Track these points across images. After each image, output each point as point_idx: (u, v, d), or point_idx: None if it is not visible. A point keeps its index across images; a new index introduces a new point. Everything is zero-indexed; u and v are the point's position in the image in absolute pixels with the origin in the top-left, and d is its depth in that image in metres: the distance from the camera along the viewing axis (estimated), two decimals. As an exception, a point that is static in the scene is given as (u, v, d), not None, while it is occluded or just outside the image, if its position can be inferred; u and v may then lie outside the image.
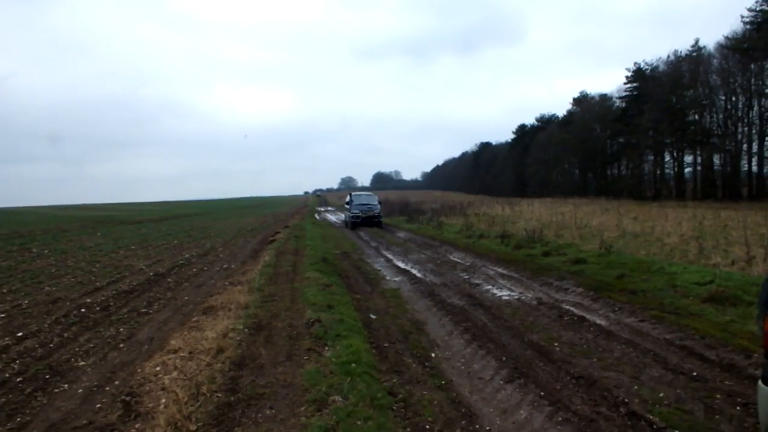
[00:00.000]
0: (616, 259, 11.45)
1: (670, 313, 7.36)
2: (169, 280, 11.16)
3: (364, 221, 25.80)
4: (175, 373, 5.25)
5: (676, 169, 52.85)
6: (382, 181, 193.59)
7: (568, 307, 8.14)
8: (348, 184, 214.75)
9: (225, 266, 12.94)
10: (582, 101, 71.29)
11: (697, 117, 48.63)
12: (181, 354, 5.78)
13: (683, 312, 7.37)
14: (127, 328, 7.45)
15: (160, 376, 5.26)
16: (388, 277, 11.58)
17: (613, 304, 8.08)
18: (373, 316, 7.88)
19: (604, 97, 65.46)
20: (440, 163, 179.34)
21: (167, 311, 8.35)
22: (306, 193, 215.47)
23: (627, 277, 9.56)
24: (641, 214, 25.35)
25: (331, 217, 40.09)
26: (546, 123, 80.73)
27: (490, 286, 9.98)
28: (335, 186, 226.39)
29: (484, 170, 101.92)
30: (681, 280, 8.94)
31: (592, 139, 64.42)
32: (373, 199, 27.66)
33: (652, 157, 55.44)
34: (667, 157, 54.16)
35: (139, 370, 5.61)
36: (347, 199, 28.84)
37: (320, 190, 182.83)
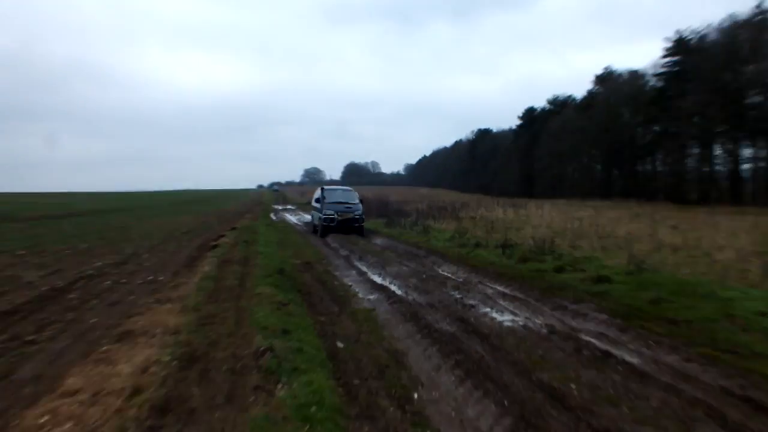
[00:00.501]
0: (650, 278, 11.48)
1: (726, 351, 7.32)
2: (72, 296, 10.73)
3: (340, 226, 24.40)
4: (68, 425, 4.98)
5: (730, 165, 52.21)
6: (355, 174, 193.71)
7: (588, 338, 8.10)
8: (313, 177, 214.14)
9: (150, 278, 12.64)
10: (607, 79, 72.48)
11: (759, 99, 46.74)
12: (81, 397, 5.50)
13: (744, 351, 7.30)
14: (1, 363, 6.88)
15: (46, 430, 4.98)
16: (360, 295, 11.51)
17: (647, 336, 8.04)
18: (340, 345, 7.75)
19: (635, 75, 66.31)
20: (428, 153, 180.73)
21: (65, 338, 7.94)
22: (260, 186, 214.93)
23: (665, 303, 9.55)
24: (683, 222, 25.71)
25: (291, 218, 39.80)
26: (560, 106, 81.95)
27: (488, 309, 9.95)
28: (297, 179, 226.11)
29: (482, 164, 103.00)
30: (740, 308, 8.93)
31: (619, 127, 65.35)
32: (353, 197, 26.39)
33: (697, 150, 55.68)
34: (718, 150, 53.83)
35: (14, 424, 5.25)
36: (316, 195, 27.28)
37: (278, 184, 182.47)
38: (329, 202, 25.25)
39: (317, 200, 26.51)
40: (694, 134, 53.66)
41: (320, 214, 25.06)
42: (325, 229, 24.33)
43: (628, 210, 35.14)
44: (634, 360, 7.18)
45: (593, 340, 7.99)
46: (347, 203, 25.50)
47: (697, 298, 9.83)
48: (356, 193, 26.95)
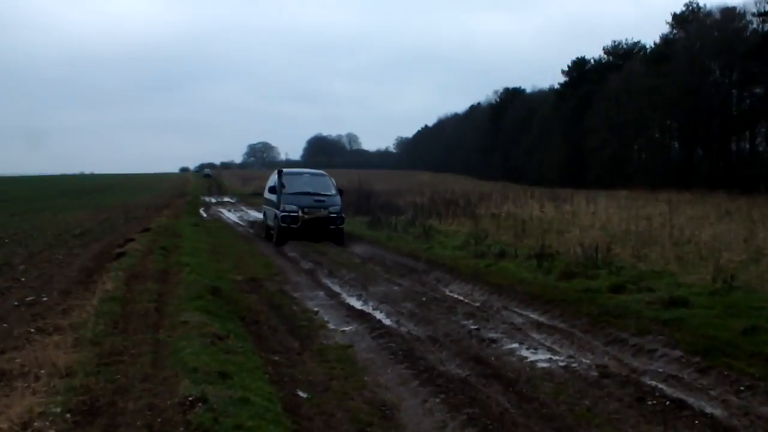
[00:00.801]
0: (743, 300, 11.67)
1: None
2: None
3: (306, 229, 24.08)
4: None
5: None
6: (324, 152, 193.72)
7: (654, 382, 8.27)
8: (262, 157, 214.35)
9: (30, 299, 12.70)
10: (689, 20, 73.10)
11: None
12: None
13: None
14: None
15: None
16: (331, 325, 11.60)
17: (736, 379, 8.24)
18: (303, 395, 7.86)
19: (730, 14, 67.02)
20: (430, 123, 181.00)
21: None
22: (185, 170, 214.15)
23: (762, 334, 9.77)
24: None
25: (230, 216, 39.91)
26: (623, 58, 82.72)
27: (515, 345, 10.11)
28: (237, 159, 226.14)
29: (510, 139, 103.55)
30: None
31: (705, 89, 66.11)
32: (326, 185, 26.12)
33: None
34: None
35: None
36: (270, 182, 26.97)
37: (211, 167, 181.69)
38: (290, 193, 24.69)
39: (272, 190, 26.03)
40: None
41: (276, 211, 24.61)
42: (283, 233, 24.00)
43: (716, 205, 35.35)
44: (717, 412, 7.32)
45: (662, 386, 8.13)
46: (318, 195, 24.98)
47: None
48: (331, 180, 26.60)
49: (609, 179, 73.81)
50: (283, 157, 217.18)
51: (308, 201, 24.57)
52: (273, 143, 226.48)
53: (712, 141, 68.20)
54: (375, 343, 10.29)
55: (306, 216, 24.15)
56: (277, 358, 9.32)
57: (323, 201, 24.80)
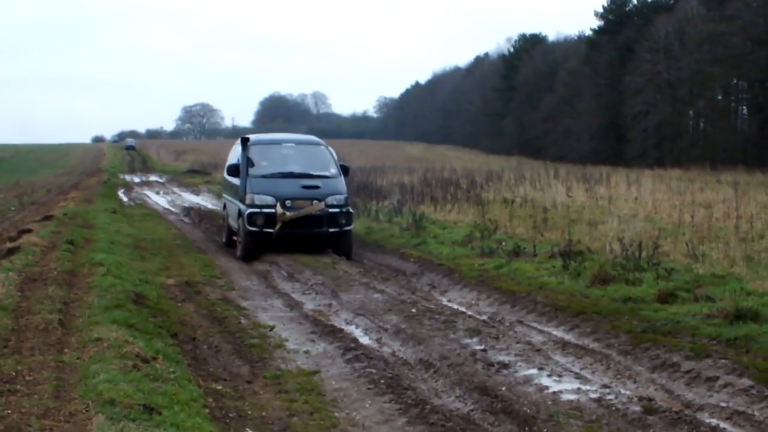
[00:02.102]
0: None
1: None
2: None
3: (291, 234, 20.05)
4: None
5: None
6: (282, 116, 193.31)
7: (714, 420, 8.31)
8: (200, 124, 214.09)
9: None
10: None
11: None
12: None
13: None
14: None
15: None
16: (291, 344, 11.61)
17: (818, 417, 8.28)
18: (254, 437, 7.84)
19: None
20: (422, 80, 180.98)
21: None
22: (99, 140, 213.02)
23: None
24: None
25: (159, 200, 39.77)
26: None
27: (533, 370, 10.13)
28: (169, 127, 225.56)
29: (528, 100, 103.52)
30: None
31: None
32: (320, 158, 22.03)
33: None
34: None
35: None
36: (232, 157, 23.12)
37: (134, 136, 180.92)
38: (261, 176, 20.70)
39: (233, 171, 21.82)
40: None
41: (241, 206, 20.60)
42: (251, 241, 20.14)
43: (798, 189, 35.54)
44: (795, 460, 7.38)
45: (725, 425, 8.17)
46: (308, 177, 20.89)
47: None
48: (329, 151, 22.31)
49: (656, 155, 74.28)
50: (228, 123, 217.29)
51: (292, 188, 20.32)
52: (215, 105, 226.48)
53: (791, 105, 68.58)
54: (349, 368, 10.24)
55: (288, 214, 19.70)
56: (220, 388, 9.26)
57: (317, 187, 20.45)
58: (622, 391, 9.31)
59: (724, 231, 21.59)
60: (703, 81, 71.91)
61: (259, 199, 20.22)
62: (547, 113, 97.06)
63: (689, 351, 10.55)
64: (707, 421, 8.28)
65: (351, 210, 21.22)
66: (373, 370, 10.01)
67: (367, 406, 8.86)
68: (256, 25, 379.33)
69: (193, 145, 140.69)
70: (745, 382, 9.34)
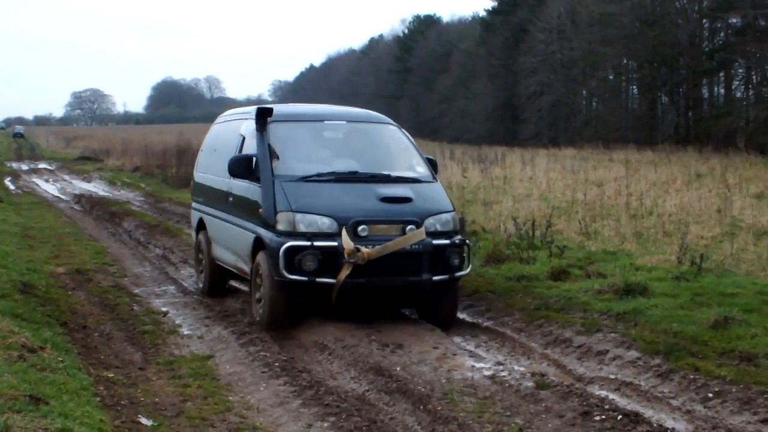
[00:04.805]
0: (714, 285, 12.11)
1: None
2: None
3: (372, 278, 11.44)
4: None
5: None
6: (176, 101, 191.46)
7: (604, 392, 8.52)
8: (90, 109, 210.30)
9: None
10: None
11: None
12: None
13: None
14: None
15: None
16: (185, 329, 11.57)
17: (703, 384, 8.54)
18: (146, 422, 7.80)
19: None
20: (317, 63, 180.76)
21: None
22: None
23: (736, 326, 10.12)
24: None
25: (49, 187, 39.11)
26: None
27: (427, 350, 10.20)
28: (58, 113, 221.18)
29: (423, 82, 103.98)
30: None
31: (670, 19, 67.70)
32: (397, 146, 13.78)
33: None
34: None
35: None
36: (222, 142, 14.66)
37: (21, 122, 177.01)
38: (301, 179, 12.10)
39: (239, 168, 12.62)
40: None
41: (259, 231, 12.08)
42: (288, 298, 11.65)
43: (684, 167, 36.38)
44: (680, 426, 7.60)
45: (613, 396, 8.38)
46: (385, 180, 12.55)
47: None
48: (403, 134, 13.93)
49: (551, 134, 75.38)
50: (120, 108, 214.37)
51: (363, 201, 11.97)
52: (106, 91, 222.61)
53: (678, 85, 69.95)
54: (244, 351, 10.22)
55: (367, 249, 11.15)
56: (111, 375, 9.14)
57: (408, 200, 12.07)
58: (516, 368, 9.45)
59: (616, 208, 22.07)
60: (595, 61, 73.07)
61: (307, 221, 11.52)
62: (442, 94, 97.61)
63: (581, 326, 10.81)
64: (597, 393, 8.48)
65: (467, 241, 12.59)
66: (268, 354, 10.02)
67: (261, 389, 8.86)
68: (145, 8, 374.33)
69: (84, 131, 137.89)
70: (633, 354, 9.63)
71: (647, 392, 8.57)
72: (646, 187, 26.55)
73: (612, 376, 9.12)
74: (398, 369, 9.35)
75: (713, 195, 24.15)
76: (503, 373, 9.19)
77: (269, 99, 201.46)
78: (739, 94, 65.65)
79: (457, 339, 10.93)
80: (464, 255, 11.98)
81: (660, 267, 13.93)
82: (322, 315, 11.67)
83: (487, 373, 9.24)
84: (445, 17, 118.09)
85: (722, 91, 68.07)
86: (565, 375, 9.28)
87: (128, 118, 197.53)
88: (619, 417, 7.66)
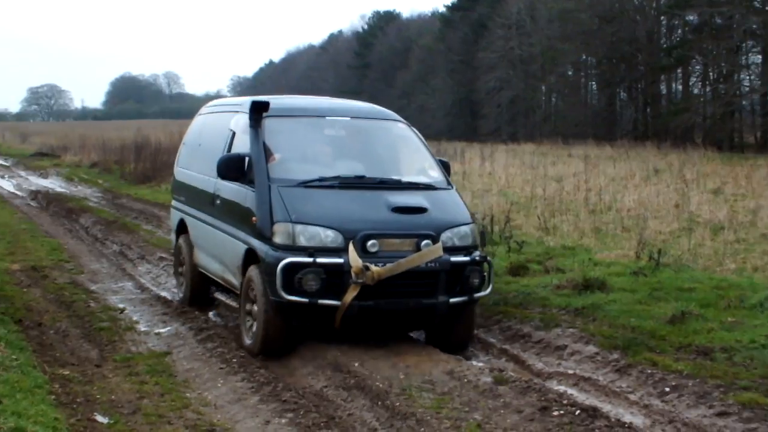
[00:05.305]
0: (672, 280, 12.26)
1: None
2: None
3: (383, 301, 10.09)
4: None
5: None
6: (134, 97, 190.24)
7: (562, 387, 8.61)
8: (47, 105, 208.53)
9: None
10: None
11: None
12: None
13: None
14: None
15: None
16: (142, 326, 11.50)
17: (661, 379, 8.65)
18: (103, 419, 7.76)
19: None
20: (276, 59, 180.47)
21: None
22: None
23: (693, 321, 10.26)
24: (731, 182, 27.61)
25: (3, 184, 38.74)
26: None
27: (385, 346, 10.20)
28: (14, 108, 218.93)
29: (383, 78, 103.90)
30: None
31: (627, 16, 68.37)
32: (406, 147, 12.50)
33: (758, 58, 60.10)
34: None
35: None
36: (208, 137, 13.18)
37: None
38: (301, 184, 10.68)
39: (228, 169, 11.19)
40: (754, 29, 57.50)
41: (252, 242, 10.68)
42: (286, 321, 10.25)
43: (642, 161, 36.67)
44: (638, 421, 7.66)
45: (572, 391, 8.46)
46: (395, 186, 11.17)
47: (747, 310, 10.56)
48: (413, 133, 12.52)
49: (510, 130, 75.71)
50: (77, 104, 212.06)
51: (371, 211, 10.62)
52: (63, 86, 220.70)
53: (637, 81, 70.78)
54: (201, 348, 10.18)
55: (377, 267, 9.76)
56: (67, 373, 9.05)
57: (422, 210, 10.66)
58: (474, 363, 9.53)
59: (575, 204, 22.18)
60: (554, 57, 73.63)
61: (309, 234, 10.11)
62: (402, 90, 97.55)
63: (539, 322, 10.89)
64: (555, 388, 8.54)
65: (488, 257, 11.01)
66: (225, 350, 9.98)
67: (219, 385, 8.83)
68: (103, 3, 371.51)
69: (41, 127, 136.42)
70: (591, 349, 9.73)
71: (605, 387, 8.67)
72: (604, 182, 26.71)
73: (570, 372, 9.20)
74: (356, 365, 9.33)
75: (671, 190, 24.35)
76: (462, 369, 9.19)
77: (228, 95, 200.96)
78: (696, 91, 66.45)
79: (415, 335, 10.92)
80: (485, 274, 10.59)
81: (618, 262, 14.06)
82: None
83: (446, 368, 9.23)
84: (405, 13, 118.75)
85: (680, 87, 68.79)
86: (523, 370, 9.35)
87: (86, 114, 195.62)
88: (578, 412, 7.69)
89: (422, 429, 7.51)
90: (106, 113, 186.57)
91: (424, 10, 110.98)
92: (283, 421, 7.72)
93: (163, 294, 13.59)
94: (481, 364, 9.47)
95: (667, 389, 8.39)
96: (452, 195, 11.28)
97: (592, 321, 10.75)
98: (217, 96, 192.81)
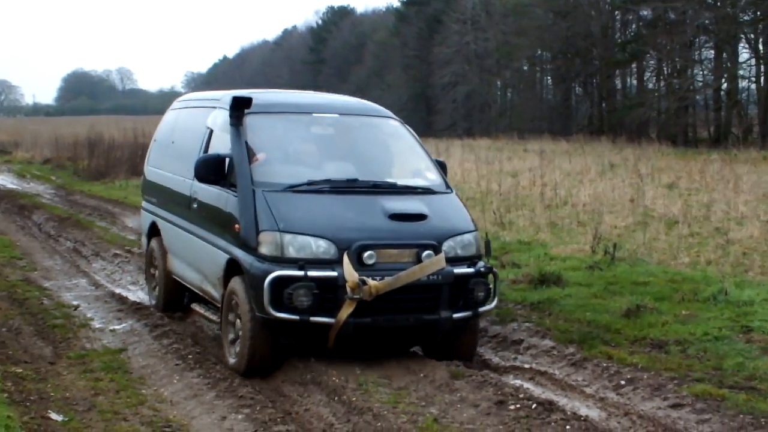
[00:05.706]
0: (627, 274, 12.44)
1: (739, 388, 8.10)
2: None
3: (380, 317, 9.28)
4: None
5: (764, 82, 57.18)
6: (87, 92, 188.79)
7: (518, 381, 8.67)
8: None
9: None
10: None
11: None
12: None
13: (766, 387, 8.14)
14: None
15: None
16: (97, 323, 11.43)
17: (616, 372, 8.78)
18: (57, 417, 7.72)
19: None
20: (230, 54, 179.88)
21: None
22: None
23: (648, 314, 10.43)
24: (686, 176, 27.89)
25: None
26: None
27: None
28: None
29: (337, 73, 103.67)
30: (764, 318, 9.88)
31: (581, 11, 68.95)
32: (400, 147, 11.60)
33: (711, 53, 60.63)
34: (745, 55, 59.14)
35: None
36: (182, 134, 12.33)
37: None
38: (288, 189, 9.80)
39: (207, 172, 10.21)
40: (705, 25, 57.83)
41: (235, 251, 9.74)
42: (274, 339, 9.41)
43: (598, 156, 36.97)
44: (593, 414, 7.76)
45: (528, 385, 8.54)
46: (391, 191, 10.30)
47: (701, 303, 10.76)
48: (407, 131, 11.61)
49: (466, 125, 75.86)
50: (29, 100, 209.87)
51: (367, 218, 9.70)
52: (14, 82, 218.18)
53: (592, 76, 71.36)
54: (157, 344, 10.14)
55: (375, 282, 8.90)
56: (20, 371, 8.99)
57: (422, 217, 9.79)
58: (431, 358, 9.51)
59: (530, 199, 22.32)
60: (509, 52, 73.92)
61: (298, 244, 9.18)
62: (356, 86, 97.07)
63: (495, 316, 10.96)
64: (512, 382, 8.62)
65: (493, 268, 10.06)
66: (181, 346, 9.97)
67: (175, 381, 8.82)
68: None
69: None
70: (547, 343, 9.84)
71: (561, 381, 8.78)
72: (560, 177, 26.84)
73: (527, 366, 9.30)
74: (312, 360, 9.33)
75: (626, 185, 24.53)
76: (418, 364, 9.22)
77: (183, 91, 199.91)
78: (651, 85, 67.08)
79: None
80: (490, 286, 9.66)
81: (574, 257, 14.17)
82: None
83: (402, 363, 9.25)
84: (359, 8, 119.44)
85: (635, 82, 69.46)
86: (480, 365, 9.39)
87: (38, 110, 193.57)
88: (534, 406, 7.75)
89: (379, 423, 7.53)
90: (58, 109, 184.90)
91: (378, 5, 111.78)
92: (240, 416, 7.72)
93: (118, 291, 13.48)
94: (436, 359, 9.47)
95: (623, 382, 8.51)
96: (452, 199, 10.44)
97: (548, 315, 10.85)
98: (172, 92, 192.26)
